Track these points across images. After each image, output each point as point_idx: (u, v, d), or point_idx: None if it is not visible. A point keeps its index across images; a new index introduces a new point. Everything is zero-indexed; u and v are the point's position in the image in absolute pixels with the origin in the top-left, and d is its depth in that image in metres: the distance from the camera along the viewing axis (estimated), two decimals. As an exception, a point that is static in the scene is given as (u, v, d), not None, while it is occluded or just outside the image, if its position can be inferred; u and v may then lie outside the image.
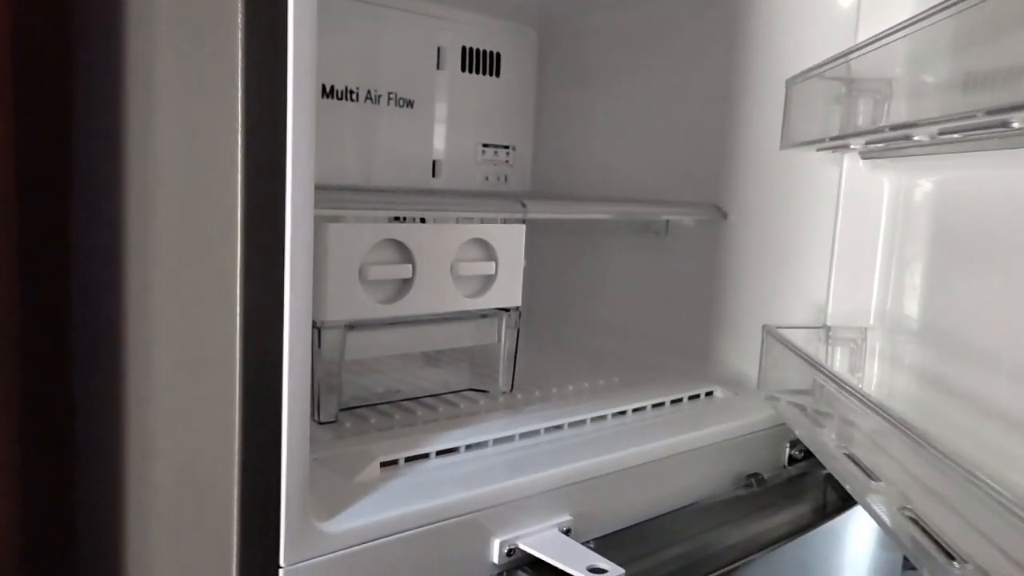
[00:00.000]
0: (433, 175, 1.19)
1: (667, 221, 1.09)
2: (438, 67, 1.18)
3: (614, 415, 0.86)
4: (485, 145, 1.25)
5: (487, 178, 1.26)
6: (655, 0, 1.10)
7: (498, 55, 1.25)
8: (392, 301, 0.73)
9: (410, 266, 0.73)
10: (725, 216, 1.04)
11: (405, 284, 0.74)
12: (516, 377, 0.97)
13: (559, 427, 0.81)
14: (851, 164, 0.92)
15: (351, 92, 1.08)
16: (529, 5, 1.18)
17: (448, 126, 1.20)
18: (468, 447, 0.74)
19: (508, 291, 0.82)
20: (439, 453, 0.72)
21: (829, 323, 0.94)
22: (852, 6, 0.90)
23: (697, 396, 0.97)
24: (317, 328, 0.69)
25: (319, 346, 0.69)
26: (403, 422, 0.79)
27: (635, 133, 1.14)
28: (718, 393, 0.99)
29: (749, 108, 1.00)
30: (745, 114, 1.01)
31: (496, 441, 0.76)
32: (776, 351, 0.89)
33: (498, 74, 1.25)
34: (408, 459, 0.70)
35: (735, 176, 1.02)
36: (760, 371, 0.92)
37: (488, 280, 0.80)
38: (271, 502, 0.52)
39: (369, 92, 1.10)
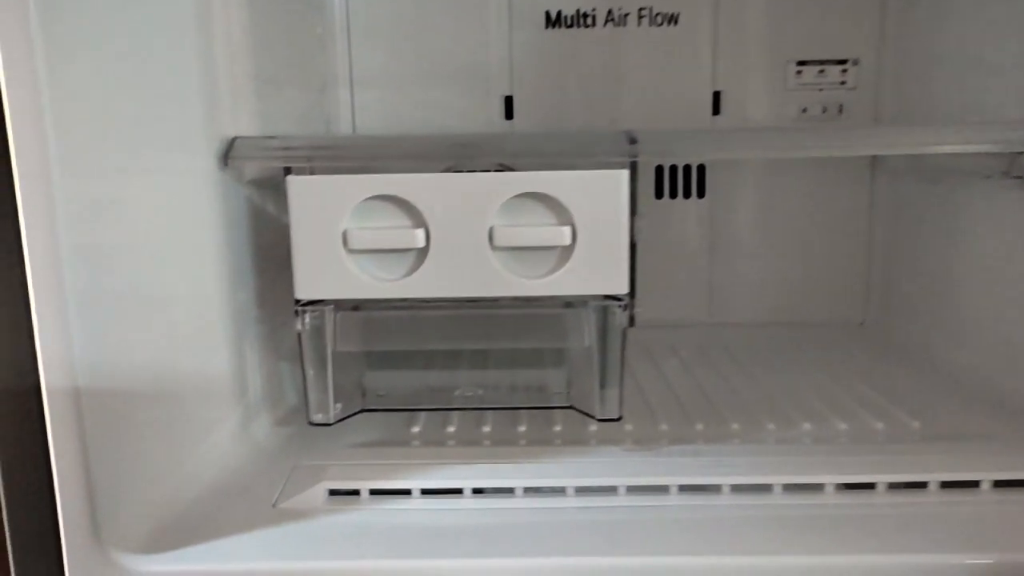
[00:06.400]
0: (715, 111, 0.89)
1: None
2: (719, -38, 0.86)
3: (788, 488, 0.51)
4: (801, 63, 0.88)
5: (805, 110, 0.89)
6: None
7: (823, -73, 0.85)
8: (400, 279, 0.54)
9: (421, 231, 0.53)
10: None
11: (419, 257, 0.54)
12: (694, 403, 0.66)
13: (657, 488, 0.51)
14: None
15: (585, 16, 0.87)
16: None
17: (735, 43, 0.88)
18: (479, 491, 0.52)
19: (599, 271, 0.54)
20: (429, 492, 0.52)
21: None
22: None
23: (971, 484, 0.51)
24: (298, 308, 0.55)
25: (303, 328, 0.55)
26: (430, 437, 0.59)
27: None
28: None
29: None
30: None
31: (528, 490, 0.52)
32: None
33: (823, -45, 0.86)
34: (376, 492, 0.52)
35: None
36: None
37: (563, 255, 0.54)
38: (43, 518, 0.43)
39: (611, 12, 0.87)
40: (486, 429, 0.62)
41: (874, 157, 0.90)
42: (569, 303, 0.56)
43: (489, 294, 0.54)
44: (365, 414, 0.61)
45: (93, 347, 0.43)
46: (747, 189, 0.91)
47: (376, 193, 0.53)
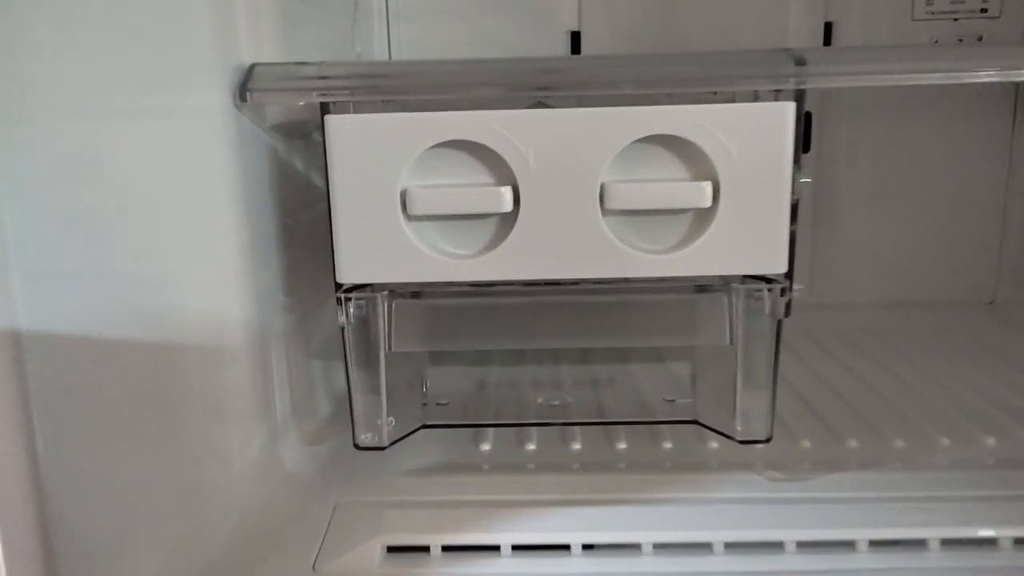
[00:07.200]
0: (826, 45, 0.73)
1: None
2: None
3: (1020, 543, 0.37)
4: (934, -13, 0.72)
5: (937, 42, 0.73)
6: None
7: None
8: (478, 255, 0.40)
9: (508, 190, 0.39)
10: None
11: (503, 225, 0.40)
12: (831, 408, 0.52)
13: (840, 545, 0.37)
14: None
15: (670, -70, 0.71)
16: None
17: (851, -37, 0.72)
18: (591, 547, 0.38)
19: (750, 242, 0.40)
20: (523, 548, 0.38)
21: None
22: None
23: None
24: (340, 295, 0.41)
25: (347, 322, 0.41)
26: (505, 459, 0.46)
27: None
28: None
29: None
30: None
31: (659, 547, 0.38)
32: None
33: None
34: (452, 549, 0.38)
35: None
36: None
37: (699, 220, 0.40)
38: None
39: (703, -75, 0.71)
40: (575, 447, 0.48)
41: (1017, 103, 0.75)
42: (703, 286, 0.41)
43: (599, 275, 0.40)
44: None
45: (58, 348, 0.30)
46: (858, 143, 0.76)
47: (447, 138, 0.39)
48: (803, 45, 0.72)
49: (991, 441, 0.49)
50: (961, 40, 0.73)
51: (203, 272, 0.40)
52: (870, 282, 0.78)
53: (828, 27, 0.73)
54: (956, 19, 0.73)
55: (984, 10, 0.73)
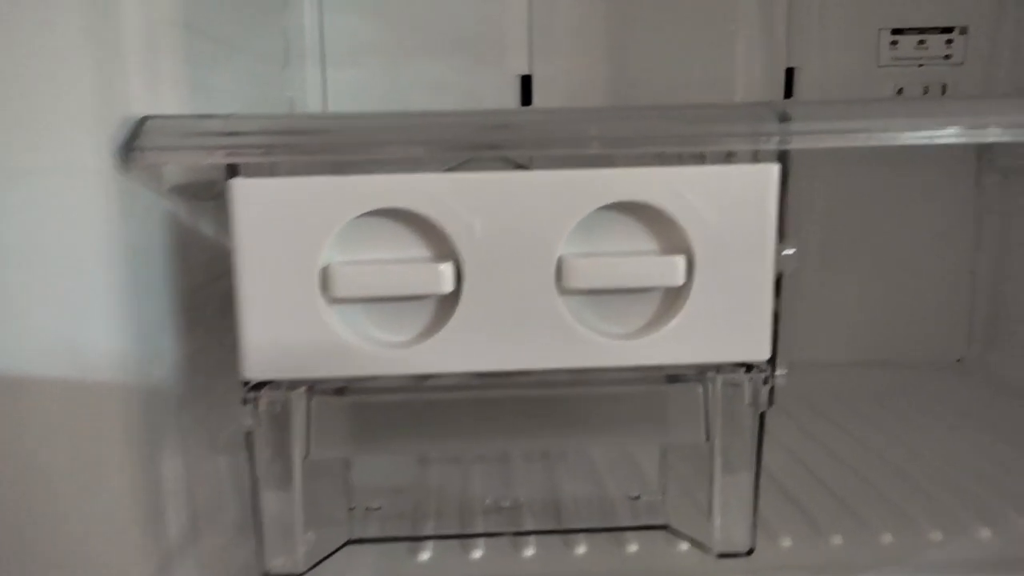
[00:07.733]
0: (788, 93, 0.70)
1: None
2: (794, -98, 0.67)
3: None
4: (897, 32, 0.70)
5: (901, 90, 0.70)
6: None
7: None
8: (413, 343, 0.34)
9: (449, 267, 0.33)
10: None
11: (443, 308, 0.34)
12: (807, 492, 0.46)
13: None
14: None
15: (623, -29, 0.67)
16: None
17: (814, 7, 0.69)
18: None
19: (728, 326, 0.34)
20: None
21: None
22: None
23: None
24: (247, 394, 0.34)
25: (256, 424, 0.35)
26: (447, 573, 0.39)
27: None
28: None
29: None
30: None
31: None
32: None
33: None
34: None
35: None
36: None
37: (671, 301, 0.34)
38: None
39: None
40: (528, 553, 0.42)
41: (980, 154, 0.73)
42: (675, 375, 0.36)
43: (555, 364, 0.34)
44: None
45: None
46: (820, 195, 0.73)
47: (377, 206, 0.32)
48: (762, 92, 0.69)
49: (986, 533, 0.44)
50: (927, 89, 0.70)
51: (70, 372, 0.33)
52: (833, 341, 0.74)
53: (790, 73, 0.69)
54: (921, 65, 0.70)
55: (948, 56, 0.70)
